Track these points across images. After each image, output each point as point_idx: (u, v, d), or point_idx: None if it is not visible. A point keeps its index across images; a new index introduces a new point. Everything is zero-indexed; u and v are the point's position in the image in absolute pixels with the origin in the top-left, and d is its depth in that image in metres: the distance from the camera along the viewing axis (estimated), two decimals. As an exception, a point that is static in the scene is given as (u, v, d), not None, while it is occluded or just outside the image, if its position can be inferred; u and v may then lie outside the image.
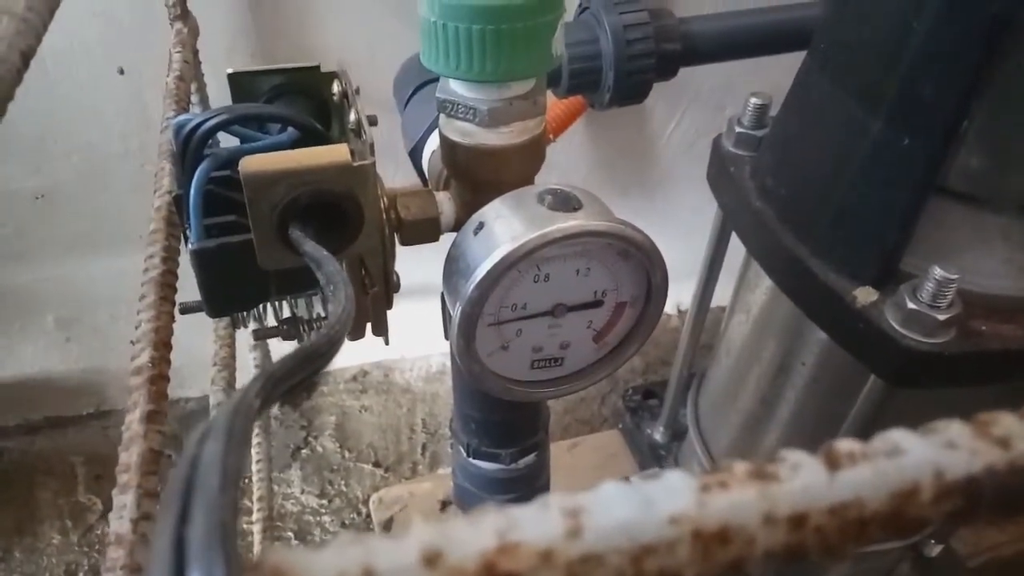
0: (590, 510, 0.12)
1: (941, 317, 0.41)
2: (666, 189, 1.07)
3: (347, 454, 0.98)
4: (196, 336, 0.69)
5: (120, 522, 0.29)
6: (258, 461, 0.78)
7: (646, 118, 0.98)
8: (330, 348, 0.19)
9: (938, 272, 0.41)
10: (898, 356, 0.43)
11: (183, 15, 0.67)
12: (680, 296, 1.11)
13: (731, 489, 0.12)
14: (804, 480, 0.12)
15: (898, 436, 0.13)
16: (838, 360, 0.50)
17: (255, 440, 0.80)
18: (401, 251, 0.43)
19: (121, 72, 0.77)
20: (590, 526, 0.11)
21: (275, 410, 1.00)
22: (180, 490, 0.11)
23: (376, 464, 0.97)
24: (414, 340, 1.05)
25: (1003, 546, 0.79)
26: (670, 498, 0.12)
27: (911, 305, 0.42)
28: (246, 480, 0.81)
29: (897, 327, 0.43)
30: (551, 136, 0.79)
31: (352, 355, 1.06)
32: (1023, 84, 0.39)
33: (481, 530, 0.11)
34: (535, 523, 0.11)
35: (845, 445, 0.13)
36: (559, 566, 0.11)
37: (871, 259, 0.45)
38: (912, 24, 0.38)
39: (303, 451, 0.98)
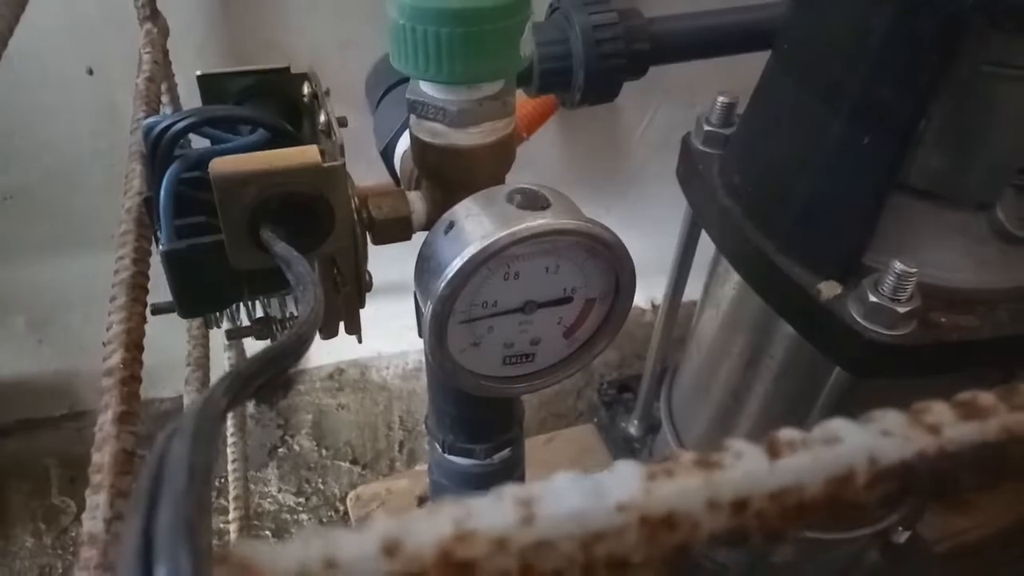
0: (543, 499, 0.12)
1: (901, 310, 0.42)
2: (638, 185, 1.08)
3: (324, 452, 0.98)
4: (170, 336, 0.69)
5: (93, 522, 0.29)
6: (234, 460, 0.78)
7: (618, 115, 0.99)
8: (299, 347, 0.20)
9: (898, 266, 0.42)
10: (861, 348, 0.44)
11: (153, 15, 0.66)
12: (653, 291, 1.12)
13: (677, 477, 0.13)
14: (746, 467, 0.13)
15: (837, 425, 0.14)
16: (805, 353, 0.51)
17: (231, 439, 0.80)
18: (377, 249, 0.43)
19: (90, 72, 0.76)
20: (542, 514, 0.12)
21: (251, 409, 1.00)
22: (148, 488, 0.12)
23: (353, 462, 0.97)
24: (390, 338, 1.06)
25: (968, 532, 0.81)
26: (618, 486, 0.12)
27: (872, 299, 0.43)
28: (222, 479, 0.81)
29: (860, 320, 0.44)
30: (524, 134, 0.79)
31: (328, 353, 1.06)
32: (977, 85, 0.40)
33: (438, 519, 0.12)
34: (490, 512, 0.12)
35: (787, 434, 0.14)
36: (512, 552, 0.12)
37: (835, 255, 0.46)
38: (871, 26, 0.39)
39: (280, 450, 0.98)
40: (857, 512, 0.14)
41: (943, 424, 0.14)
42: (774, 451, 0.13)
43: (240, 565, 0.11)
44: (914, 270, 0.42)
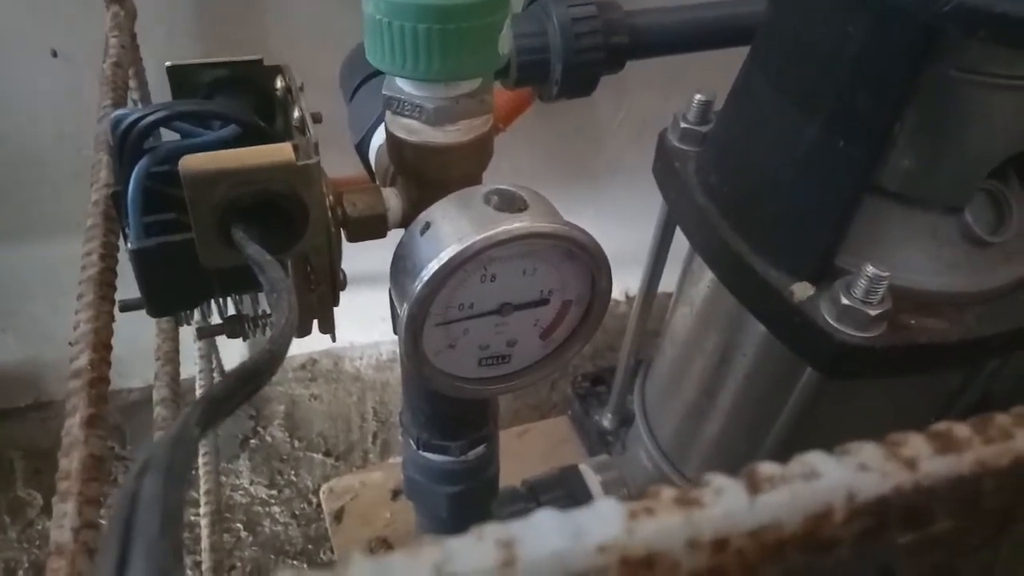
0: (523, 540, 0.12)
1: (872, 312, 0.43)
2: (614, 176, 1.08)
3: (297, 443, 0.97)
4: (139, 325, 0.68)
5: (60, 531, 0.28)
6: (205, 453, 0.77)
7: (594, 106, 0.99)
8: (271, 364, 0.19)
9: (870, 270, 0.42)
10: (832, 349, 0.44)
11: (120, -3, 0.64)
12: (628, 282, 1.13)
13: (657, 515, 0.13)
14: (726, 505, 0.13)
15: (815, 459, 0.14)
16: (777, 352, 0.52)
17: (201, 432, 0.79)
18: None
19: (54, 55, 0.74)
20: (523, 556, 0.12)
21: (222, 399, 0.99)
22: (119, 531, 0.12)
23: (326, 453, 0.96)
24: (364, 328, 1.05)
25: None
26: (599, 526, 0.12)
27: (844, 301, 0.43)
28: (192, 472, 0.80)
29: (831, 322, 0.44)
30: (501, 125, 0.79)
31: (301, 343, 1.05)
32: (948, 91, 0.40)
33: (418, 563, 0.12)
34: (470, 555, 0.12)
35: (766, 469, 0.14)
36: (493, 596, 0.12)
37: (808, 256, 0.46)
38: (847, 33, 0.39)
39: (252, 441, 0.97)
40: (833, 547, 0.14)
41: (919, 458, 0.14)
42: (753, 486, 0.13)
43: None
44: (886, 274, 0.42)
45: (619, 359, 0.83)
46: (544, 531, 0.12)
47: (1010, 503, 0.15)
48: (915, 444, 0.14)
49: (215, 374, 0.85)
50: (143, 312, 0.43)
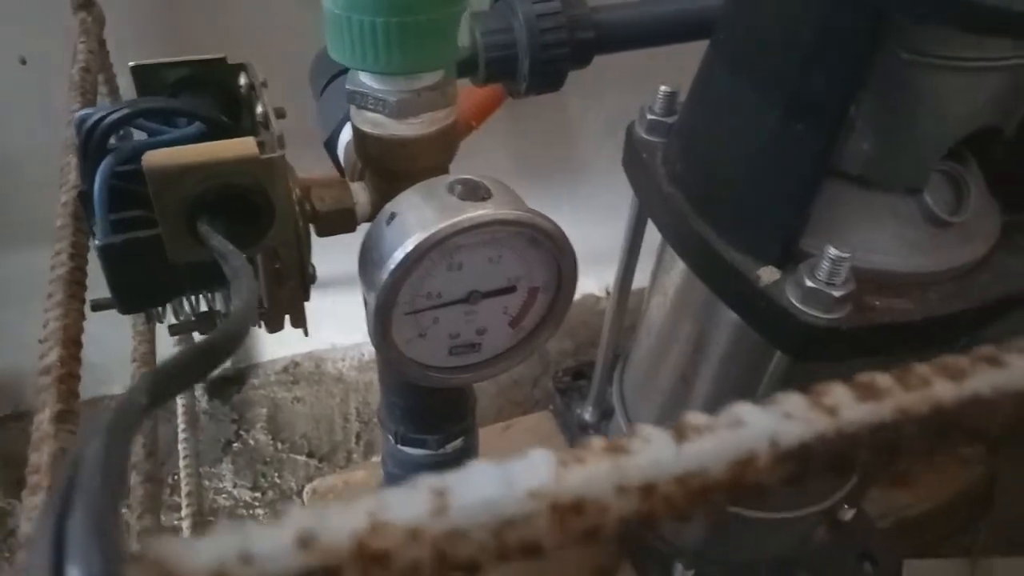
0: (455, 489, 0.13)
1: (837, 294, 0.44)
2: (589, 173, 1.08)
3: (280, 446, 0.97)
4: (118, 332, 0.67)
5: (31, 523, 0.28)
6: (186, 456, 0.77)
7: (566, 104, 1.00)
8: (227, 343, 0.20)
9: (832, 251, 0.43)
10: (798, 332, 0.45)
11: (87, 4, 0.64)
12: (608, 278, 1.13)
13: (587, 463, 0.13)
14: (653, 452, 0.13)
15: (742, 409, 0.14)
16: (748, 338, 0.52)
17: (182, 435, 0.79)
18: (330, 240, 0.43)
19: (23, 62, 0.74)
20: (455, 504, 0.12)
21: (204, 404, 0.99)
22: (63, 488, 0.12)
23: (310, 455, 0.96)
24: (345, 329, 1.05)
25: (910, 507, 0.84)
26: (530, 474, 0.13)
27: (809, 283, 0.44)
28: (175, 476, 0.80)
29: (797, 304, 0.45)
30: (474, 123, 0.79)
31: (283, 346, 1.05)
32: (900, 73, 0.41)
33: (353, 512, 0.12)
34: (404, 503, 0.12)
35: (694, 419, 0.14)
36: (426, 542, 0.12)
37: (772, 240, 0.47)
38: (803, 19, 0.40)
39: (235, 444, 0.97)
40: (760, 492, 0.14)
41: (840, 406, 0.15)
42: (680, 435, 0.14)
43: (155, 563, 0.12)
44: (847, 255, 0.43)
45: (598, 353, 0.83)
46: (476, 480, 0.13)
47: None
48: (837, 393, 0.15)
49: (195, 378, 0.85)
50: (121, 318, 0.43)
